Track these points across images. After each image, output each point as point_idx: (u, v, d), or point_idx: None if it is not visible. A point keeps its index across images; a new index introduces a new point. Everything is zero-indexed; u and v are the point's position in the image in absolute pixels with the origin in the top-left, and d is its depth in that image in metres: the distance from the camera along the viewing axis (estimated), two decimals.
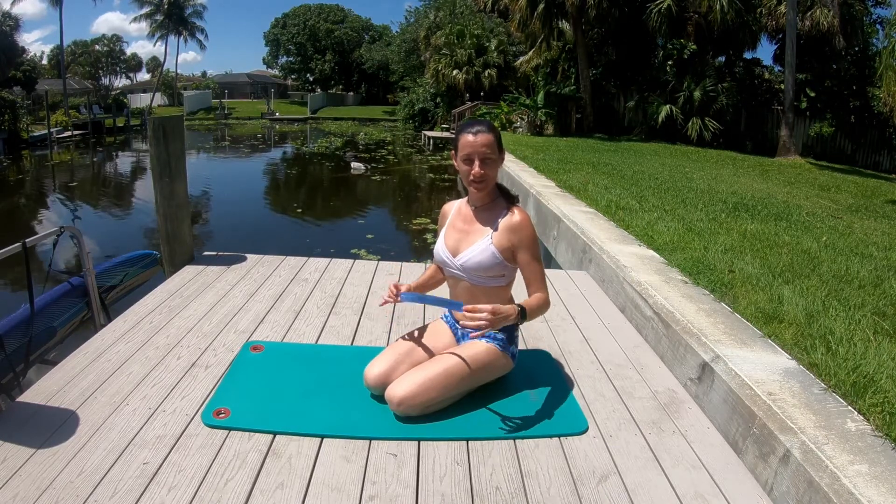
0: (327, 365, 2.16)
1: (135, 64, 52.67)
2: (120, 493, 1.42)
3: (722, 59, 17.14)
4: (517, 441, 1.74)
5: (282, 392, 1.94)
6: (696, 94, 15.09)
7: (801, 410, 1.66)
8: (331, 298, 2.91)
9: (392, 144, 21.82)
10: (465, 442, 1.72)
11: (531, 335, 2.54)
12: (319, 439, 1.69)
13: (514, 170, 7.33)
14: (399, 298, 1.89)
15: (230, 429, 1.72)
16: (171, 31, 41.61)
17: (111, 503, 1.39)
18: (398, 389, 1.79)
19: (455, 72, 23.36)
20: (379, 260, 3.75)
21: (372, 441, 1.70)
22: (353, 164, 14.28)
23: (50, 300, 2.74)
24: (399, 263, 3.62)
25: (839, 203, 6.75)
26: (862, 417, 1.64)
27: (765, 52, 29.98)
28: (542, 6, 16.02)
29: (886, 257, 3.69)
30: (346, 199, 11.41)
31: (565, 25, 17.15)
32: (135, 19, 44.19)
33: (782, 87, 14.76)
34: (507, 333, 1.96)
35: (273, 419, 1.78)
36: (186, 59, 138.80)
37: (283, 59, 52.13)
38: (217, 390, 1.94)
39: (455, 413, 1.84)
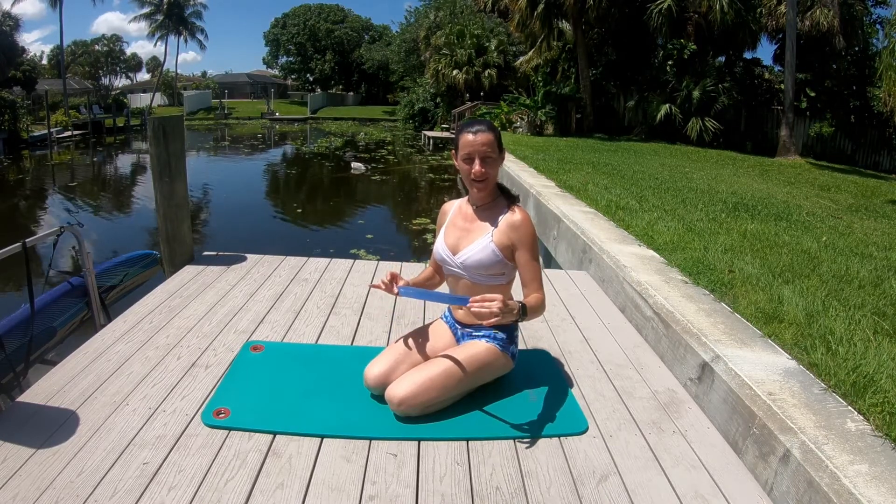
0: (327, 365, 2.16)
1: (135, 64, 52.66)
2: (120, 493, 1.42)
3: (722, 59, 17.12)
4: (517, 441, 1.74)
5: (282, 392, 1.94)
6: (696, 94, 15.07)
7: (801, 410, 1.66)
8: (331, 298, 2.91)
9: (392, 144, 21.84)
10: (465, 442, 1.72)
11: (531, 335, 2.54)
12: (319, 439, 1.69)
13: (514, 170, 7.33)
14: (396, 291, 1.80)
15: (230, 429, 1.72)
16: (171, 31, 41.61)
17: (111, 503, 1.39)
18: (398, 389, 1.79)
19: (455, 72, 23.35)
20: (379, 260, 3.75)
21: (372, 441, 1.70)
22: (353, 164, 14.30)
23: (50, 300, 2.74)
24: (399, 264, 3.62)
25: (839, 203, 6.74)
26: (862, 417, 1.64)
27: (765, 52, 30.10)
28: (542, 6, 16.01)
29: (886, 257, 3.69)
30: (346, 200, 11.40)
31: (565, 25, 17.13)
32: (134, 19, 44.38)
33: (782, 87, 14.76)
34: (508, 333, 1.96)
35: (273, 419, 1.78)
36: (186, 59, 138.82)
37: (283, 59, 52.19)
38: (217, 390, 1.94)
39: (455, 413, 1.84)
